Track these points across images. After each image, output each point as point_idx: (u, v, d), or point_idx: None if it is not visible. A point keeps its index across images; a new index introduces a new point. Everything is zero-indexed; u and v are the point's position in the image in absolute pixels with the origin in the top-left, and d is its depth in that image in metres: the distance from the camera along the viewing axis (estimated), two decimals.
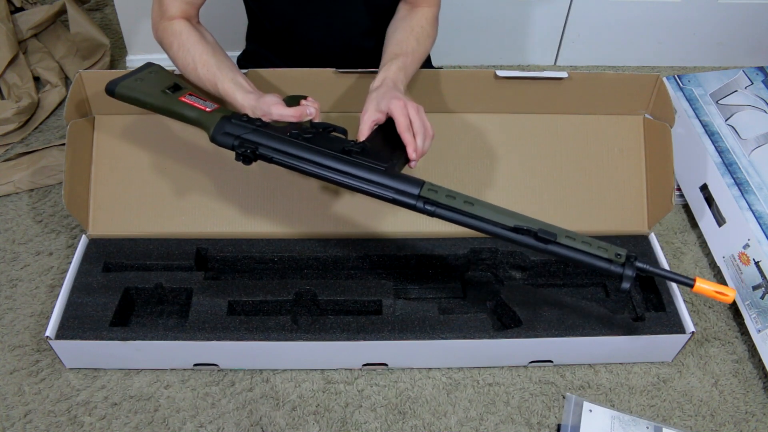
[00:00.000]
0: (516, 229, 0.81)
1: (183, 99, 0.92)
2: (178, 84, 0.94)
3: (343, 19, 1.07)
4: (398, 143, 0.86)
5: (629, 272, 0.80)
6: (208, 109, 0.90)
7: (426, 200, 0.82)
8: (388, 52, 0.96)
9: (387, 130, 0.87)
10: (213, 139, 0.87)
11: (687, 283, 0.83)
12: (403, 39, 0.97)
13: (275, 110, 0.86)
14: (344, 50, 1.12)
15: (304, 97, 0.90)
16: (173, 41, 0.95)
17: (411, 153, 0.84)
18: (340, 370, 1.02)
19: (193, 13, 0.99)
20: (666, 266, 1.07)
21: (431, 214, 0.82)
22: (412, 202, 0.82)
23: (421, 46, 0.99)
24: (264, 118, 0.87)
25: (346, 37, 1.10)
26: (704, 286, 0.81)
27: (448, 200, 0.82)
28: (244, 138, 0.85)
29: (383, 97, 0.87)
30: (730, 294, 0.80)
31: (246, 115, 0.88)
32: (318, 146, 0.84)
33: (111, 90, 0.93)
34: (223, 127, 0.86)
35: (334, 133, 0.88)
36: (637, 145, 1.13)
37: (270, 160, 0.85)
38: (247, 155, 0.84)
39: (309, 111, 0.87)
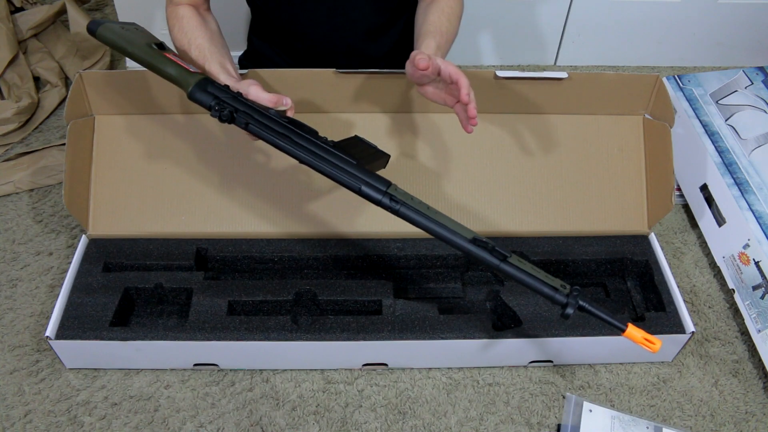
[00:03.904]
0: (474, 241, 0.81)
1: (167, 55, 0.89)
2: (164, 44, 0.93)
3: (345, 16, 1.08)
4: (367, 158, 0.87)
5: (573, 301, 0.80)
6: (191, 70, 0.88)
7: (392, 197, 0.81)
8: (423, 32, 0.96)
9: (358, 147, 0.89)
10: (191, 96, 0.84)
11: (619, 327, 0.81)
12: (435, 20, 0.98)
13: (253, 90, 0.85)
14: (347, 48, 1.12)
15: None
16: (175, 24, 0.99)
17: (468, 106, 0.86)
18: (340, 370, 1.02)
19: (200, 1, 1.02)
20: (666, 266, 1.07)
21: (395, 212, 0.81)
22: (378, 196, 0.82)
23: (452, 26, 1.00)
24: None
25: (350, 35, 1.10)
26: (634, 332, 0.80)
27: (412, 203, 0.82)
28: (223, 100, 0.84)
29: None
30: (656, 344, 0.79)
31: (227, 85, 0.87)
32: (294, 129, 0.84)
33: (93, 30, 0.90)
34: (204, 87, 0.85)
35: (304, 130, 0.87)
36: (637, 145, 1.13)
37: (245, 126, 0.83)
38: (224, 114, 0.82)
39: (285, 101, 0.86)
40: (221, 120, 0.83)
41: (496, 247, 0.81)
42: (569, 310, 0.80)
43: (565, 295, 0.80)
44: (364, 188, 0.82)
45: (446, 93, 0.89)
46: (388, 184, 0.83)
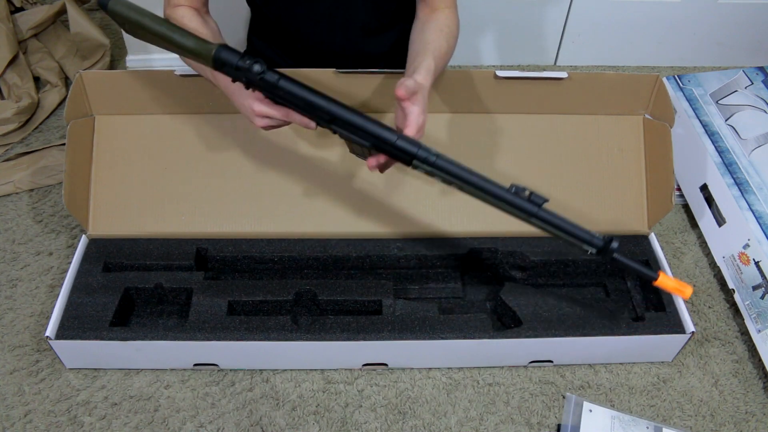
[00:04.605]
0: (511, 188, 0.81)
1: (184, 29, 0.84)
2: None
3: (344, 16, 1.08)
4: None
5: (610, 246, 0.83)
6: (210, 41, 0.83)
7: (427, 149, 0.80)
8: (422, 50, 0.94)
9: None
10: (217, 56, 0.81)
11: (650, 276, 0.85)
12: (435, 39, 0.96)
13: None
14: (347, 48, 1.12)
15: None
16: (174, 17, 0.98)
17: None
18: (340, 370, 1.02)
19: (199, 4, 1.01)
20: (666, 267, 1.07)
21: (432, 164, 0.80)
22: (413, 149, 0.79)
23: (450, 47, 0.99)
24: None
25: (349, 34, 1.10)
26: (666, 281, 0.85)
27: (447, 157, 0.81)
28: (250, 61, 0.81)
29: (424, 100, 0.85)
30: (688, 289, 0.85)
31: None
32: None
33: (104, 3, 0.83)
34: (228, 48, 0.81)
35: None
36: (637, 145, 1.13)
37: (277, 82, 0.80)
38: (256, 67, 0.79)
39: None
40: (253, 73, 0.79)
41: (533, 195, 0.82)
42: (615, 254, 0.83)
43: (602, 240, 0.83)
44: (399, 141, 0.79)
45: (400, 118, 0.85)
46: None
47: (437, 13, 1.00)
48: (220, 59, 0.81)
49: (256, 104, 0.85)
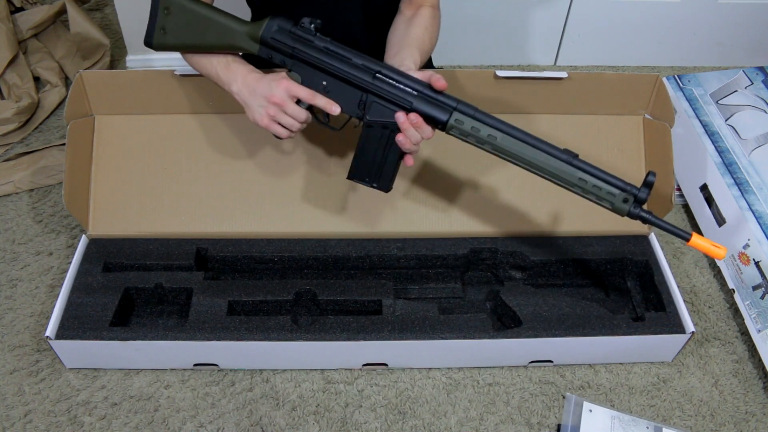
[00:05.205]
0: (541, 140, 0.86)
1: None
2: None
3: (339, 15, 1.08)
4: None
5: (642, 194, 0.84)
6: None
7: (466, 104, 0.86)
8: (407, 44, 0.97)
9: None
10: (270, 25, 0.90)
11: (683, 236, 0.86)
12: (420, 35, 0.99)
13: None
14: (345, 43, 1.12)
15: None
16: None
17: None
18: (340, 370, 1.02)
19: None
20: (666, 266, 1.07)
21: (472, 116, 0.85)
22: (452, 103, 0.86)
23: (432, 44, 1.02)
24: None
25: (344, 32, 1.11)
26: (699, 241, 0.86)
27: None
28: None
29: None
30: (722, 249, 0.85)
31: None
32: None
33: (149, 42, 0.93)
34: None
35: None
36: (637, 145, 1.13)
37: (325, 50, 0.89)
38: (310, 32, 0.89)
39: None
40: (312, 31, 0.89)
41: (567, 149, 0.86)
42: (635, 205, 0.85)
43: (635, 187, 0.85)
44: (437, 96, 0.86)
45: None
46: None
47: (422, 10, 1.02)
48: (271, 30, 0.89)
49: (290, 85, 0.88)
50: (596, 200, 0.87)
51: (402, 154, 0.90)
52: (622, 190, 0.85)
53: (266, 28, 0.90)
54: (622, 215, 0.86)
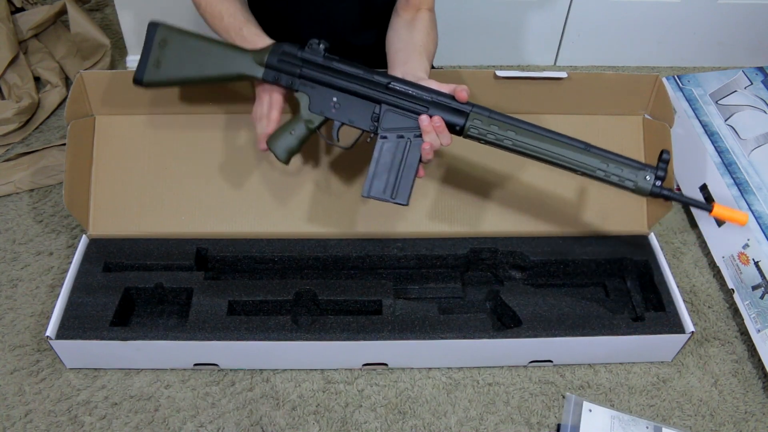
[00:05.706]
0: (555, 133, 0.88)
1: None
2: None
3: (334, 14, 1.08)
4: None
5: (661, 174, 0.86)
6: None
7: (481, 107, 0.87)
8: (414, 50, 0.98)
9: None
10: (275, 51, 0.90)
11: (705, 208, 0.88)
12: (423, 40, 1.00)
13: None
14: (336, 45, 1.12)
15: None
16: (201, 1, 0.98)
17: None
18: (340, 370, 1.02)
19: None
20: (666, 266, 1.07)
21: (487, 117, 0.87)
22: (467, 108, 0.87)
23: (434, 49, 1.03)
24: None
25: (339, 32, 1.11)
26: (721, 211, 0.87)
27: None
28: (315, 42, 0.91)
29: None
30: (744, 218, 0.87)
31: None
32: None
33: (138, 79, 0.94)
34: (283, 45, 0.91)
35: None
36: (637, 146, 1.14)
37: (328, 68, 0.90)
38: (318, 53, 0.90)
39: None
40: (320, 51, 0.90)
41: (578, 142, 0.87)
42: (657, 183, 0.86)
43: (651, 166, 0.87)
44: (454, 102, 0.88)
45: None
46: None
47: (421, 14, 1.02)
48: (277, 53, 0.90)
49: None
50: (618, 182, 0.87)
51: (418, 165, 0.90)
52: (642, 169, 0.86)
53: (272, 53, 0.90)
54: (645, 195, 0.87)
